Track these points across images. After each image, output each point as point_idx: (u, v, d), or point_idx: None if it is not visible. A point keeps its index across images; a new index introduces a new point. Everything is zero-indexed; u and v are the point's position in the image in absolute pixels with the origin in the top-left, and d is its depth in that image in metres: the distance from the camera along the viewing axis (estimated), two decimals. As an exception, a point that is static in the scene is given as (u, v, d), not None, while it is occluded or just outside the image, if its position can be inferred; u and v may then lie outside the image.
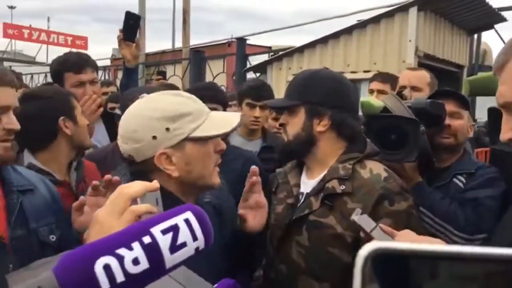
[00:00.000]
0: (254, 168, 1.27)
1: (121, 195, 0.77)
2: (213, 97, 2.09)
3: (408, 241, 1.00)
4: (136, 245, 0.51)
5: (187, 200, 1.13)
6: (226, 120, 1.16)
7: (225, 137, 1.34)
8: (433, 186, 1.75)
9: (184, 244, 0.53)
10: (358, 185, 1.39)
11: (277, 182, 1.63)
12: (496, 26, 6.41)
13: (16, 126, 1.24)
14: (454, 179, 1.75)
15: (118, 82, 6.92)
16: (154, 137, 1.07)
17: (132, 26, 2.23)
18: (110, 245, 0.51)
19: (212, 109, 1.21)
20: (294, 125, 1.47)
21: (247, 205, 1.28)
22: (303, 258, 1.42)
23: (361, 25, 5.54)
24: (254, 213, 1.28)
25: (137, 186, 0.79)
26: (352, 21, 5.84)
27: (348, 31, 5.60)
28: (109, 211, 0.77)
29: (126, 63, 2.32)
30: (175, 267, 0.53)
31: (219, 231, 1.38)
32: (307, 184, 1.50)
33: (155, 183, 0.81)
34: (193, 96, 1.17)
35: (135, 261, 0.50)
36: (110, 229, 0.74)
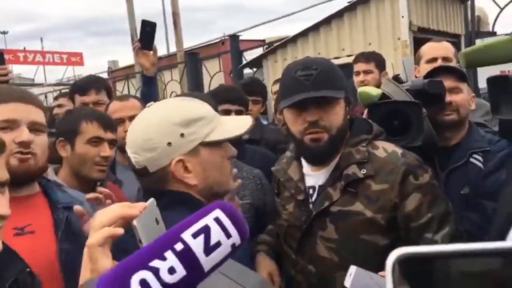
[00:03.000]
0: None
1: (93, 225, 0.72)
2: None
3: None
4: (169, 254, 0.50)
5: None
6: (237, 123, 1.14)
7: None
8: (450, 167, 1.72)
9: (218, 244, 0.52)
10: (378, 166, 1.35)
11: (277, 181, 1.56)
12: (488, -10, 6.29)
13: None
14: (471, 159, 1.70)
15: (117, 94, 6.89)
16: (169, 144, 1.01)
17: (149, 33, 2.23)
18: (142, 259, 0.50)
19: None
20: (337, 116, 1.38)
21: None
22: (335, 253, 1.36)
23: (351, 7, 5.48)
24: None
25: (105, 215, 0.71)
26: (343, 4, 5.78)
27: (339, 15, 5.55)
28: (89, 240, 0.72)
29: (145, 72, 2.32)
30: (215, 267, 0.53)
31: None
32: (315, 176, 1.44)
33: (127, 210, 0.71)
34: (200, 100, 1.14)
35: (171, 270, 0.49)
36: (89, 258, 0.70)
